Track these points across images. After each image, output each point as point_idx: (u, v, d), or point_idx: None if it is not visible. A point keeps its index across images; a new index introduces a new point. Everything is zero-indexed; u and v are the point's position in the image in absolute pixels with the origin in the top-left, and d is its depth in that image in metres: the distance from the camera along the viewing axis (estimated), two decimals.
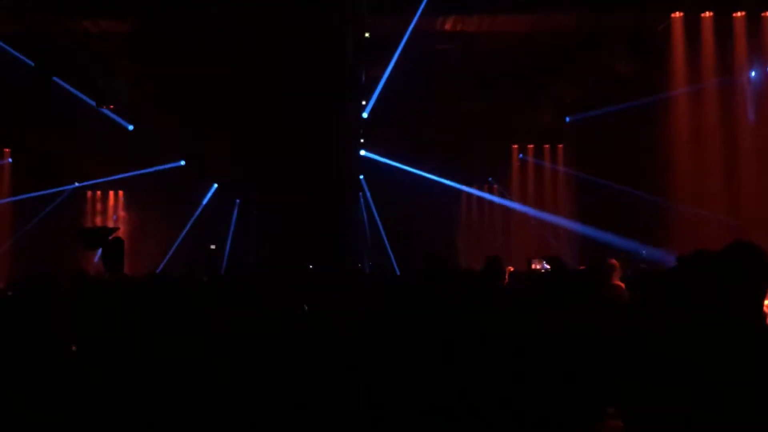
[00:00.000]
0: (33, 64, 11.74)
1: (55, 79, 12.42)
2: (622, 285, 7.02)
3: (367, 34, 11.85)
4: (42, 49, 11.60)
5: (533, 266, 12.65)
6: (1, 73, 11.98)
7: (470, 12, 11.17)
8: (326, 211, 17.61)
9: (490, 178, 18.64)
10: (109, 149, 15.69)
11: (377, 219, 18.26)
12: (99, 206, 19.06)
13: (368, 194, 18.55)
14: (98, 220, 18.56)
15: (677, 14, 10.91)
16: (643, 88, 11.70)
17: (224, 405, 3.15)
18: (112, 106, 14.46)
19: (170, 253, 16.20)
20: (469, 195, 19.38)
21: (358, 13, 11.01)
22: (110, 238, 4.07)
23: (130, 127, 14.60)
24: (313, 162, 16.08)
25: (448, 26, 11.68)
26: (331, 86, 13.00)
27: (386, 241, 17.62)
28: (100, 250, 3.92)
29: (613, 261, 7.22)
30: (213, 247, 14.79)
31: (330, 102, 13.84)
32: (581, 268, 8.78)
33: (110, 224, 16.97)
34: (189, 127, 15.17)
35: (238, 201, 18.90)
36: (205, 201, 17.92)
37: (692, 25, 10.81)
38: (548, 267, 11.08)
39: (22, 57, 11.72)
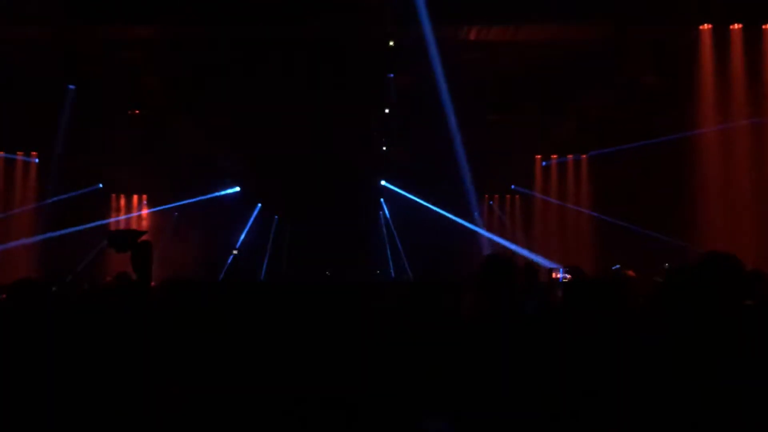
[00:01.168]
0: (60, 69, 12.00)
1: (80, 84, 12.63)
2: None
3: (391, 43, 11.92)
4: (69, 55, 11.81)
5: (553, 275, 12.54)
6: (28, 77, 12.20)
7: (494, 22, 11.17)
8: (350, 222, 17.87)
9: (513, 186, 18.63)
10: (134, 152, 15.88)
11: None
12: (122, 205, 19.35)
13: (403, 193, 18.52)
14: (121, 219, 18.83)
15: (705, 26, 10.82)
16: (670, 99, 11.61)
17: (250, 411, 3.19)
18: (138, 111, 14.65)
19: None
20: (491, 204, 19.43)
21: (382, 22, 11.06)
22: (138, 240, 4.13)
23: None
24: (338, 168, 16.27)
25: (472, 36, 11.67)
26: (353, 92, 13.07)
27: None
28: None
29: (630, 272, 7.09)
30: (235, 252, 14.91)
31: (352, 107, 13.95)
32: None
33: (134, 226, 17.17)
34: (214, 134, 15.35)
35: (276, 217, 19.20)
36: (218, 192, 18.06)
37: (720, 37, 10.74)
38: (568, 276, 10.98)
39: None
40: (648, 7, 10.27)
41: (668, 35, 11.26)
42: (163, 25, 11.10)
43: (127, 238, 4.03)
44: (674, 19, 10.65)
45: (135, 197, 19.44)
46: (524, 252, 16.13)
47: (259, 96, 13.05)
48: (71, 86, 12.55)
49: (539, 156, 17.18)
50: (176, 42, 11.73)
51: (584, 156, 16.53)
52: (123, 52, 12.09)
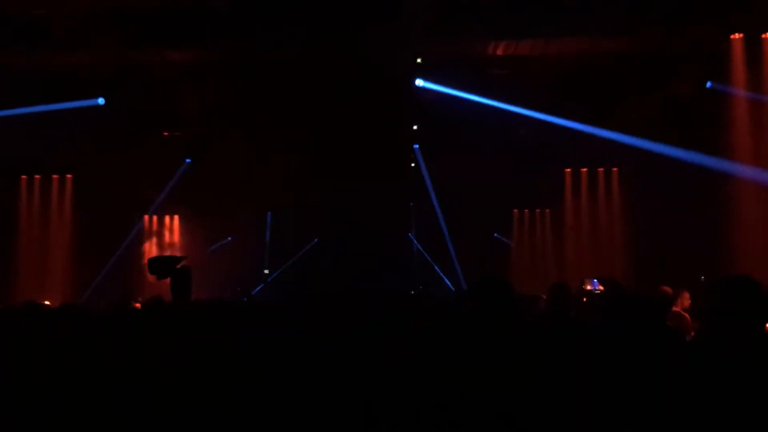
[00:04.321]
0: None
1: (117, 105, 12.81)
2: (686, 315, 6.80)
3: (419, 60, 11.94)
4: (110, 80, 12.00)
5: (585, 287, 12.34)
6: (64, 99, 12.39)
7: (523, 36, 11.12)
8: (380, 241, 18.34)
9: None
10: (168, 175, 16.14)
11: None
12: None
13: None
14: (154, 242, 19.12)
15: (736, 36, 10.66)
16: (704, 110, 11.46)
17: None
18: (174, 132, 14.85)
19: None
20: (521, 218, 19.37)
21: (411, 39, 11.07)
22: (178, 266, 4.20)
23: None
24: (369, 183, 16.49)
25: (500, 51, 11.63)
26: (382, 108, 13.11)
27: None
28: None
29: (666, 288, 6.94)
30: (267, 272, 15.02)
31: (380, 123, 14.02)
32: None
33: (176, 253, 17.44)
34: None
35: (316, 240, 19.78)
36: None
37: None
38: (600, 288, 10.78)
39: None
40: (680, 17, 10.16)
41: (701, 45, 11.12)
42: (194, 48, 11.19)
43: (168, 264, 4.11)
44: (706, 28, 10.50)
45: (167, 218, 19.71)
46: None
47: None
48: (101, 100, 12.50)
49: (569, 170, 17.05)
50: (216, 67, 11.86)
51: (615, 169, 16.41)
52: (161, 72, 12.18)
